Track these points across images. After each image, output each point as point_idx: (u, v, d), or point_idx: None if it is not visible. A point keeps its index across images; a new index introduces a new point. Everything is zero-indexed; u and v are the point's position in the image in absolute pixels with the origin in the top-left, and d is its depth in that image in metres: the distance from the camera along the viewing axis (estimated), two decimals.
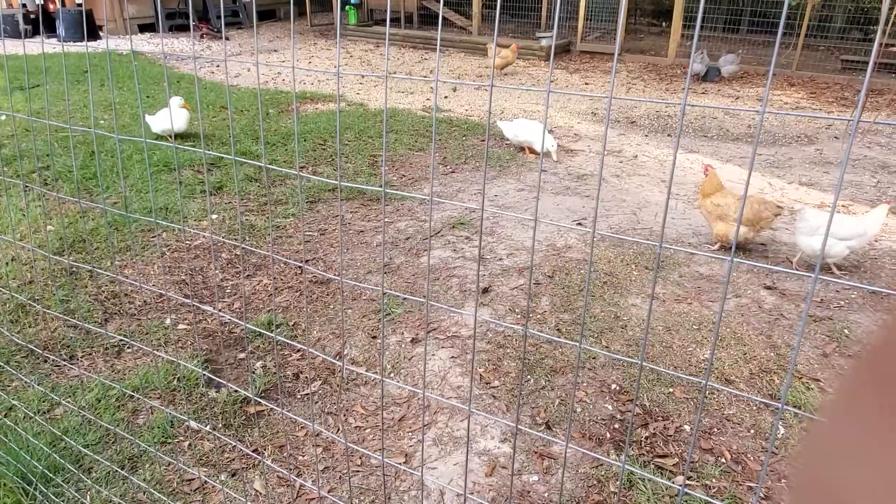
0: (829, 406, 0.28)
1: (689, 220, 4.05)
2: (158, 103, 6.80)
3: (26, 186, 4.33)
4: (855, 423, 0.26)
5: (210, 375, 2.53)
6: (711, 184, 3.49)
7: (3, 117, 6.13)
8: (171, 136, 5.50)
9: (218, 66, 9.39)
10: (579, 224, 3.96)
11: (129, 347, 2.79)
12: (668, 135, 6.16)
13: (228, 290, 3.27)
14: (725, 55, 8.39)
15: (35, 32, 11.04)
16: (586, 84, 8.44)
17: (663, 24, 13.07)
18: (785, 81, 8.49)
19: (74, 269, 3.37)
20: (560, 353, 2.65)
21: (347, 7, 12.53)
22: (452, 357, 2.64)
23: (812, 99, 7.62)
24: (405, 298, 3.07)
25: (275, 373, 2.60)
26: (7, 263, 3.40)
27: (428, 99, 7.50)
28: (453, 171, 4.99)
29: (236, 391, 2.50)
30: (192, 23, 1.14)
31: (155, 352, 2.73)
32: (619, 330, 2.81)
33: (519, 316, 2.94)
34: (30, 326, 2.90)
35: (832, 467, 0.27)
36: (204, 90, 7.43)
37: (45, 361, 2.66)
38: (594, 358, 2.61)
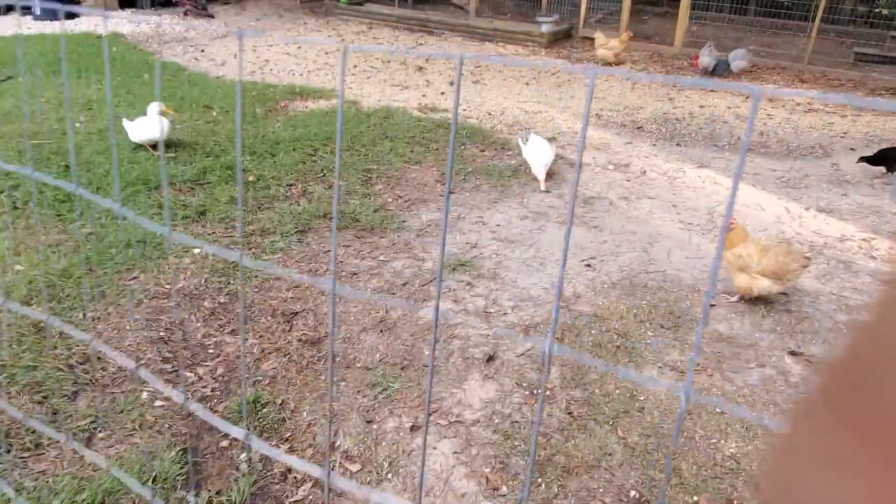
0: (799, 411, 0.30)
1: (706, 260, 3.81)
2: (139, 101, 6.41)
3: None
4: (827, 430, 0.26)
5: (188, 479, 2.30)
6: (737, 236, 3.23)
7: None
8: (151, 147, 5.18)
9: (203, 50, 8.94)
10: (588, 265, 3.71)
11: (101, 430, 2.55)
12: (677, 144, 5.86)
13: (211, 351, 3.01)
14: (735, 50, 8.03)
15: (9, 8, 10.47)
16: None
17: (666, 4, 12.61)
18: (796, 77, 8.16)
19: (42, 324, 3.10)
20: (573, 447, 2.43)
21: None
22: (456, 452, 2.41)
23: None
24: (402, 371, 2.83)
25: (262, 468, 2.37)
26: None
27: (424, 95, 7.15)
28: (452, 192, 4.70)
29: (218, 494, 2.27)
30: None
31: (129, 439, 2.50)
32: (636, 414, 2.59)
33: (527, 393, 2.71)
34: None
35: (804, 475, 0.27)
36: (187, 84, 7.04)
37: (8, 451, 2.42)
38: (610, 454, 2.40)
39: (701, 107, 6.95)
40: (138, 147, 5.13)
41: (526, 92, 7.41)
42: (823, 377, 0.28)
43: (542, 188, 4.65)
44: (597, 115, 6.64)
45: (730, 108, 6.93)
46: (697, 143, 5.92)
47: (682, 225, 4.25)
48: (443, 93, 7.24)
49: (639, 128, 6.28)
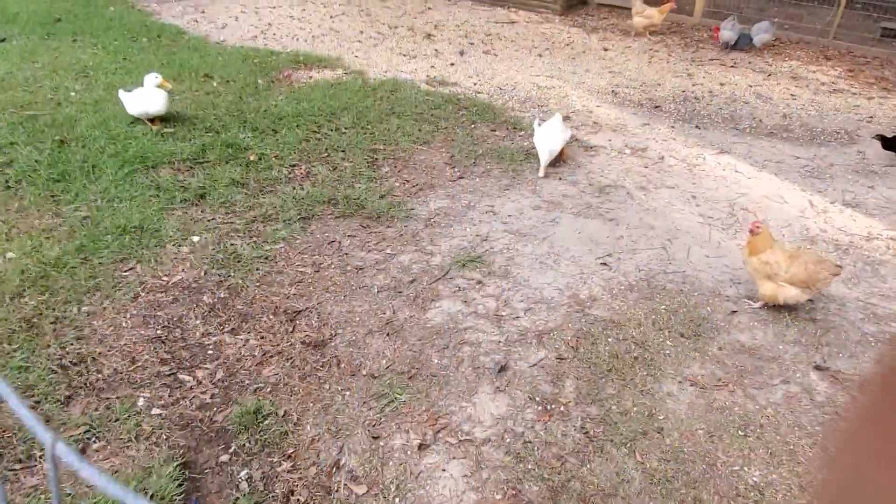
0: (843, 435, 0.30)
1: (726, 259, 3.64)
2: (137, 68, 6.16)
3: None
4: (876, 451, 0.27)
5: (185, 497, 2.20)
6: (763, 242, 3.06)
7: None
8: (148, 121, 4.97)
9: (203, 11, 8.59)
10: (604, 264, 3.55)
11: (95, 440, 2.44)
12: (697, 126, 5.63)
13: (210, 352, 2.89)
14: (759, 23, 7.67)
15: None
16: (605, 50, 7.76)
17: None
18: (820, 54, 7.83)
19: (36, 319, 2.97)
20: (589, 472, 2.32)
21: None
22: (465, 476, 2.30)
23: (850, 78, 7.02)
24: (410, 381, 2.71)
25: (263, 488, 2.27)
26: None
27: (433, 66, 6.87)
28: (461, 177, 4.51)
29: None
30: None
31: (125, 451, 2.39)
32: (655, 436, 2.47)
33: (541, 409, 2.59)
34: None
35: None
36: (186, 51, 6.76)
37: None
38: (627, 481, 2.29)
39: (721, 84, 6.67)
40: (136, 121, 4.92)
41: (539, 64, 7.12)
42: (868, 396, 0.28)
43: (540, 174, 4.46)
44: (612, 91, 6.38)
45: (751, 86, 6.65)
46: (717, 125, 5.68)
47: (702, 219, 4.07)
48: (452, 64, 6.96)
49: (656, 107, 6.03)
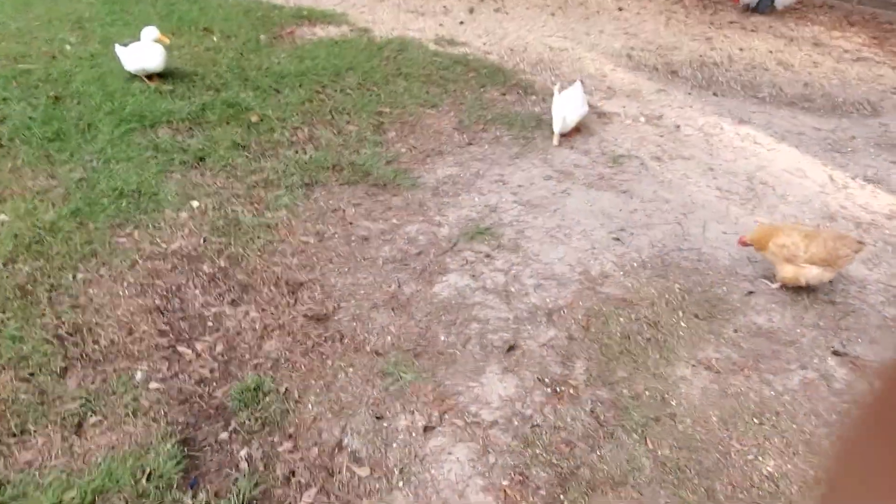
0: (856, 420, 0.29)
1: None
2: (135, 20, 5.93)
3: None
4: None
5: (184, 476, 2.14)
6: (764, 237, 2.96)
7: None
8: (146, 77, 4.79)
9: None
10: (616, 239, 3.43)
11: (91, 414, 2.38)
12: (715, 93, 5.42)
13: (210, 324, 2.81)
14: None
15: None
16: (620, 10, 7.46)
17: None
18: (844, 19, 7.52)
19: (30, 286, 2.88)
20: (598, 459, 2.25)
21: None
22: (472, 460, 2.24)
23: (875, 46, 6.75)
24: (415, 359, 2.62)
25: (263, 468, 2.21)
26: None
27: (441, 24, 6.61)
28: (470, 143, 4.35)
29: (217, 496, 2.12)
30: None
31: (122, 426, 2.33)
32: (668, 422, 2.40)
33: (550, 391, 2.51)
34: None
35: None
36: (186, 3, 6.50)
37: None
38: (638, 469, 2.22)
39: (741, 49, 6.42)
40: (133, 77, 4.74)
41: (551, 24, 6.85)
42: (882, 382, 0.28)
43: (554, 143, 4.31)
44: (627, 54, 6.14)
45: (772, 52, 6.40)
46: (736, 92, 5.47)
47: (720, 193, 3.93)
48: (461, 22, 6.70)
49: (673, 72, 5.80)
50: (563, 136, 4.35)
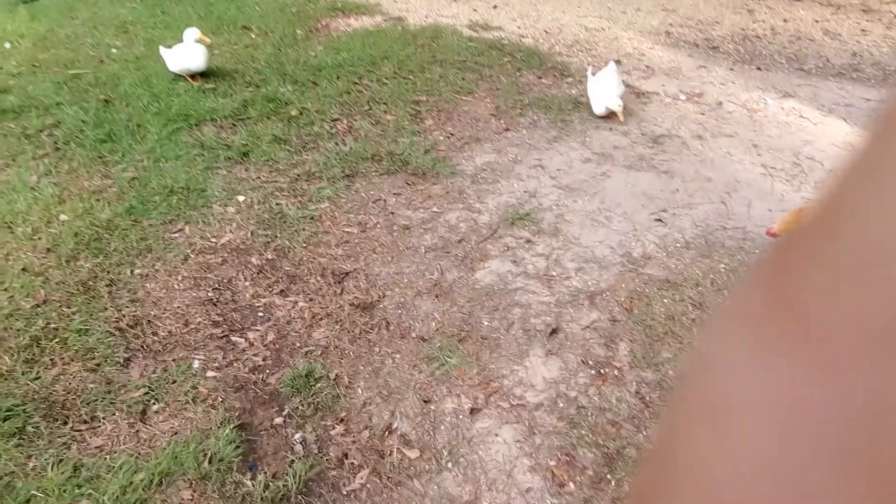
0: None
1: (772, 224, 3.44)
2: (175, 22, 6.10)
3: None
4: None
5: (243, 459, 2.25)
6: (792, 222, 2.86)
7: (8, 45, 5.57)
8: (189, 77, 4.93)
9: None
10: (658, 220, 3.41)
11: (154, 402, 2.50)
12: (758, 67, 5.28)
13: (261, 314, 2.91)
14: None
15: None
16: None
17: None
18: None
19: (92, 282, 3.03)
20: (644, 439, 2.27)
21: None
22: (518, 441, 2.28)
23: None
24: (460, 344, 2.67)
25: (317, 451, 2.30)
26: (18, 275, 3.07)
27: (475, 10, 6.59)
28: (507, 129, 4.36)
29: (274, 478, 2.22)
30: None
31: (183, 413, 2.45)
32: None
33: (594, 373, 2.53)
34: (46, 368, 2.62)
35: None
36: (224, 2, 6.64)
37: (65, 423, 2.40)
38: None
39: (784, 20, 6.22)
40: (177, 77, 4.89)
41: (587, 4, 6.75)
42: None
43: (621, 119, 4.20)
44: (666, 31, 6.02)
45: (817, 21, 6.18)
46: (780, 66, 5.32)
47: (764, 170, 3.84)
48: (495, 6, 6.67)
49: (714, 47, 5.67)
50: (602, 118, 4.31)
